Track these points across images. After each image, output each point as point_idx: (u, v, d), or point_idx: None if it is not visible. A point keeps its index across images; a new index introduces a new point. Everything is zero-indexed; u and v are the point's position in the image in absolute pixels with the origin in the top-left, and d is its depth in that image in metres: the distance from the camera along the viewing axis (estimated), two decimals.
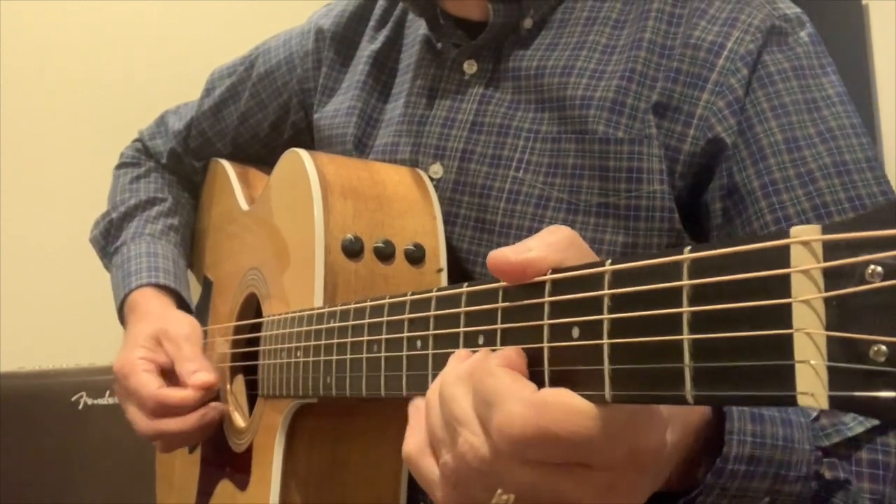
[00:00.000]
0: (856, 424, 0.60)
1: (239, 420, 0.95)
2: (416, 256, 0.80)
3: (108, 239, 1.15)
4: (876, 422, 0.59)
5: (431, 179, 0.86)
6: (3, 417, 1.41)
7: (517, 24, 0.86)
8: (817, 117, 0.75)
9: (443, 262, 0.81)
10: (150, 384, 0.91)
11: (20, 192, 1.66)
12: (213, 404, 0.93)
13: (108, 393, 1.46)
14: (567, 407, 0.40)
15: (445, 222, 0.84)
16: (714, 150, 0.76)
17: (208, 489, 0.99)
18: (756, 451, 0.54)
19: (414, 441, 0.52)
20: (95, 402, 1.47)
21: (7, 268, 1.62)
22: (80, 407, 1.46)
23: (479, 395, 0.45)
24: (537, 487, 0.43)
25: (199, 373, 0.90)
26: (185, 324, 0.97)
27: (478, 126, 0.85)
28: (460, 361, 0.49)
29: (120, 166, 1.22)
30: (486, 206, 0.82)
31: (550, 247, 0.47)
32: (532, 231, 0.80)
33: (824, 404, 0.30)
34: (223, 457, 0.96)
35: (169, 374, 0.93)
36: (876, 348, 0.29)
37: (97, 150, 1.66)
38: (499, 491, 0.44)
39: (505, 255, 0.47)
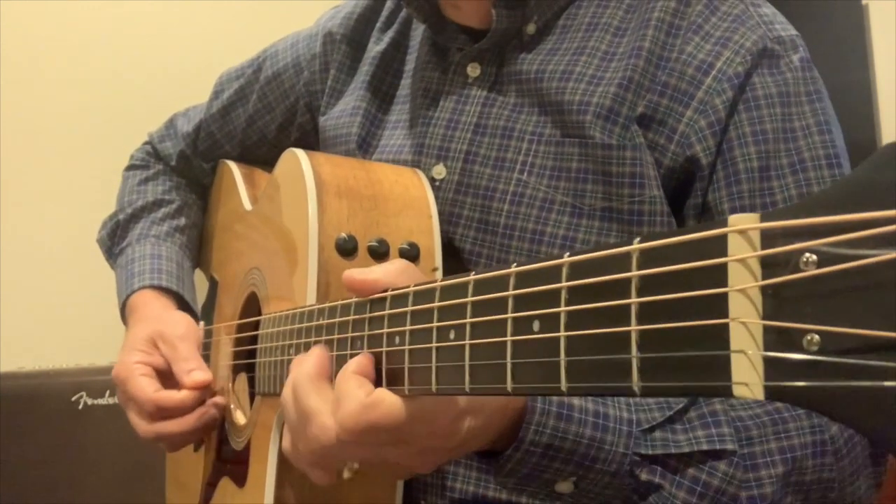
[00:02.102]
0: (686, 445, 0.67)
1: (240, 418, 0.95)
2: (410, 255, 0.80)
3: (114, 240, 1.16)
4: (709, 447, 0.67)
5: (434, 180, 0.86)
6: (3, 417, 1.41)
7: (520, 30, 0.86)
8: (792, 147, 0.76)
9: (438, 261, 0.81)
10: (148, 388, 0.91)
11: (20, 193, 1.66)
12: (212, 401, 0.93)
13: (107, 393, 1.46)
14: (386, 406, 0.55)
15: (448, 223, 0.84)
16: (691, 168, 0.77)
17: (211, 486, 0.99)
18: (554, 442, 0.64)
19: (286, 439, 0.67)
20: (95, 402, 1.47)
21: (7, 268, 1.62)
22: (80, 407, 1.46)
23: (335, 394, 0.59)
24: (370, 458, 0.60)
25: (194, 372, 0.90)
26: (181, 324, 0.97)
27: (481, 128, 0.85)
28: (313, 361, 0.64)
29: (129, 168, 1.24)
30: (490, 207, 0.82)
31: (388, 272, 0.62)
32: (535, 233, 0.80)
33: (759, 395, 0.30)
34: (225, 454, 0.96)
35: (166, 376, 0.94)
36: (809, 337, 0.29)
37: (98, 150, 1.68)
38: (351, 463, 0.63)
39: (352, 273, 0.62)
